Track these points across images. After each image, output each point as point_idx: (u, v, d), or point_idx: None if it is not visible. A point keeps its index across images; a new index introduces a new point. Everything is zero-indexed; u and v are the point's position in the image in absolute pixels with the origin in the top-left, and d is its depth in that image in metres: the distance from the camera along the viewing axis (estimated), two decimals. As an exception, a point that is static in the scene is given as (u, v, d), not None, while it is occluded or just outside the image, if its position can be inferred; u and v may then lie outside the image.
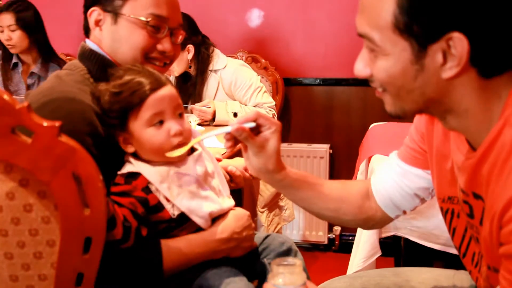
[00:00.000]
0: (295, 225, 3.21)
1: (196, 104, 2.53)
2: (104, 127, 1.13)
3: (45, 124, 0.87)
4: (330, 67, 3.20)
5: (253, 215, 2.64)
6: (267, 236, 1.31)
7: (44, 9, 3.01)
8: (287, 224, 3.00)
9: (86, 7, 1.26)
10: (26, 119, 0.87)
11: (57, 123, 0.88)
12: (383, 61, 0.85)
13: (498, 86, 0.84)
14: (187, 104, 2.63)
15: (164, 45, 1.26)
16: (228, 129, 1.05)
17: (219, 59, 2.65)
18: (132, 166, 1.15)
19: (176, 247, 1.16)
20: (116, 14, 1.22)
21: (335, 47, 3.17)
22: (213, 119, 2.49)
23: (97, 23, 1.25)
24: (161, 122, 1.12)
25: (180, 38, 1.31)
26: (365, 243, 1.57)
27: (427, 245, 1.57)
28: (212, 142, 1.98)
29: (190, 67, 2.64)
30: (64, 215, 0.93)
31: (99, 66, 1.23)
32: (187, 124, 1.18)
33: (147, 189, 1.13)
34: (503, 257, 0.81)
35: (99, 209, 0.93)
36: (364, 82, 3.30)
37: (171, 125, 1.13)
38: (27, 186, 0.93)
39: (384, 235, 1.68)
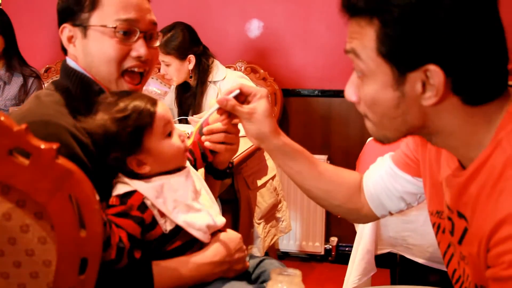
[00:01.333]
0: (292, 235, 3.21)
1: (194, 115, 2.53)
2: (106, 157, 1.13)
3: (42, 146, 0.88)
4: (329, 78, 3.21)
5: (250, 226, 2.64)
6: (262, 260, 1.31)
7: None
8: (284, 234, 3.00)
9: (59, 22, 1.23)
10: (24, 141, 0.87)
11: (54, 146, 0.89)
12: (369, 85, 0.88)
13: (487, 111, 0.86)
14: (187, 115, 2.63)
15: (139, 50, 1.19)
16: (217, 106, 1.15)
17: (218, 70, 2.66)
18: (126, 185, 1.15)
19: (168, 270, 1.16)
20: (84, 27, 1.18)
21: (334, 58, 3.19)
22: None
23: (70, 39, 1.21)
24: (170, 134, 1.18)
25: (157, 39, 1.25)
26: (361, 260, 1.58)
27: (422, 263, 1.58)
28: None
29: (190, 77, 2.65)
30: (61, 236, 0.93)
31: (78, 84, 1.19)
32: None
33: (143, 205, 1.14)
34: (490, 279, 0.82)
35: (96, 231, 0.94)
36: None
37: (179, 132, 1.20)
38: (24, 207, 0.93)
39: (379, 252, 1.68)
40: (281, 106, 3.20)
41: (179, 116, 2.73)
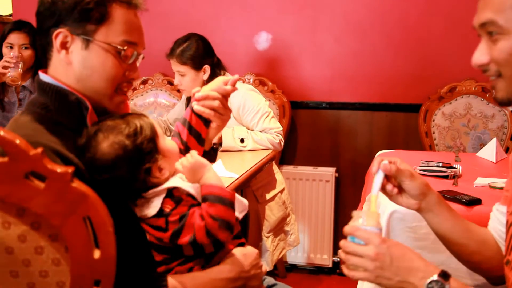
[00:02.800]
0: (300, 247, 3.20)
1: None
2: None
3: (58, 170, 0.89)
4: (337, 91, 3.22)
5: (259, 239, 2.64)
6: (274, 285, 1.31)
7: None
8: (292, 248, 3.00)
9: (46, 26, 1.17)
10: (40, 165, 0.89)
11: (69, 169, 0.90)
12: (505, 41, 0.98)
13: None
14: None
15: (134, 72, 1.22)
16: (382, 173, 1.20)
17: None
18: (157, 198, 1.17)
19: (183, 285, 1.16)
20: (87, 39, 1.15)
21: (342, 71, 3.19)
22: (220, 144, 2.50)
23: (64, 45, 1.16)
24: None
25: (140, 61, 1.26)
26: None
27: (433, 280, 1.56)
28: (220, 171, 1.99)
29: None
30: (75, 258, 0.94)
31: (56, 98, 1.16)
32: None
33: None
34: None
35: (109, 253, 0.94)
36: (370, 107, 3.32)
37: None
38: (39, 229, 0.94)
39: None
40: (289, 118, 3.21)
41: None
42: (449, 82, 3.03)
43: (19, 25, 3.01)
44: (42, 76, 1.20)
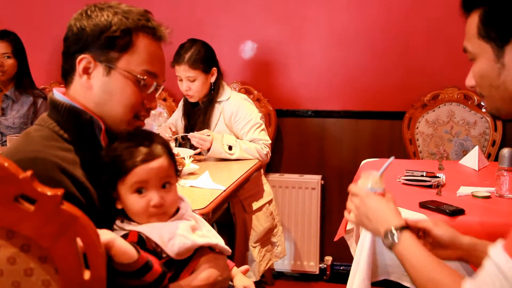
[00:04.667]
0: (287, 255, 3.21)
1: (195, 132, 2.55)
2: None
3: (48, 193, 0.89)
4: (322, 99, 3.24)
5: (246, 249, 2.65)
6: None
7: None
8: (279, 260, 3.00)
9: (72, 51, 1.21)
10: (29, 188, 0.89)
11: (59, 192, 0.90)
12: (476, 65, 1.12)
13: None
14: (193, 130, 2.65)
15: (152, 102, 1.25)
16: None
17: (224, 91, 2.68)
18: (120, 231, 1.18)
19: None
20: (110, 67, 1.19)
21: (327, 79, 3.22)
22: (208, 149, 2.51)
23: (86, 70, 1.20)
24: (142, 191, 1.18)
25: (159, 92, 1.29)
26: (358, 287, 1.59)
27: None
28: (207, 184, 2.00)
29: (212, 89, 2.66)
30: (65, 279, 0.94)
31: (67, 116, 1.19)
32: (171, 196, 1.22)
33: (140, 239, 1.16)
34: None
35: (100, 274, 0.95)
36: (355, 115, 3.35)
37: (152, 196, 1.18)
38: (29, 252, 0.94)
39: (375, 279, 1.70)
40: (275, 126, 3.23)
41: (185, 131, 2.74)
42: (432, 89, 3.08)
43: (2, 34, 3.01)
44: (56, 94, 1.23)
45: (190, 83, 2.60)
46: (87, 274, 0.94)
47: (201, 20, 3.32)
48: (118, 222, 1.21)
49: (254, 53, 3.30)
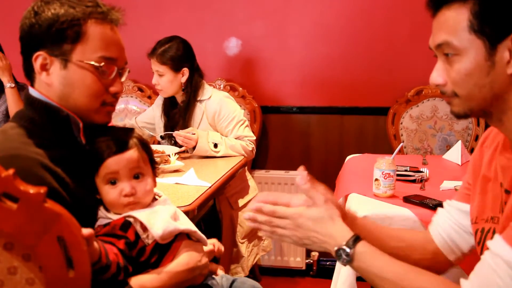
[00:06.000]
0: (274, 251, 3.23)
1: (180, 131, 2.54)
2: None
3: (31, 191, 0.89)
4: (307, 95, 3.26)
5: (233, 245, 2.65)
6: (234, 280, 1.37)
7: None
8: (265, 253, 3.02)
9: (28, 50, 1.20)
10: (12, 186, 0.88)
11: (42, 190, 0.90)
12: (461, 62, 1.02)
13: None
14: (173, 130, 2.64)
15: (117, 87, 1.24)
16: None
17: (205, 90, 2.68)
18: (105, 219, 1.24)
19: (150, 282, 1.19)
20: (65, 60, 1.17)
21: (311, 75, 3.23)
22: (194, 147, 2.51)
23: (43, 67, 1.19)
24: (115, 182, 1.23)
25: (126, 75, 1.29)
26: (342, 284, 1.60)
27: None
28: (192, 180, 2.00)
29: (183, 89, 2.66)
30: (49, 277, 0.94)
31: (43, 113, 1.19)
32: (143, 186, 1.26)
33: (125, 224, 1.21)
34: None
35: (84, 271, 0.95)
36: (340, 111, 3.36)
37: (124, 186, 1.23)
38: (12, 250, 0.93)
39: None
40: (260, 123, 3.23)
41: (165, 130, 2.74)
42: (415, 85, 3.10)
43: None
44: (32, 91, 1.22)
45: (159, 77, 2.61)
46: (71, 272, 0.94)
47: (186, 18, 3.31)
48: (103, 210, 1.25)
49: (238, 49, 3.30)
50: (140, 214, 1.21)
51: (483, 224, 1.14)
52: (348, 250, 1.07)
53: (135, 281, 1.17)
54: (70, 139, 1.21)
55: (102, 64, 1.19)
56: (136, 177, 1.25)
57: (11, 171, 0.88)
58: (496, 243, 0.93)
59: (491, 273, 0.91)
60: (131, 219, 1.21)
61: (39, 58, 1.18)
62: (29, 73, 1.23)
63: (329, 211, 1.15)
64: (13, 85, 2.84)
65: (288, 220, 1.15)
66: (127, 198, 1.23)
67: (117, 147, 1.23)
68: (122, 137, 1.25)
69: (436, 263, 1.30)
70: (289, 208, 1.17)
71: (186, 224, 1.29)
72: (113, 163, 1.22)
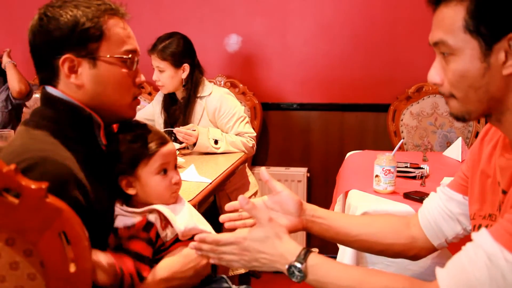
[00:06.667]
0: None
1: (180, 127, 2.54)
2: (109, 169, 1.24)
3: (33, 186, 0.89)
4: (307, 92, 3.26)
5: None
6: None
7: None
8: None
9: (47, 57, 1.19)
10: (14, 182, 0.89)
11: (43, 185, 0.90)
12: (456, 62, 0.99)
13: None
14: (173, 126, 2.65)
15: (141, 77, 1.28)
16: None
17: (205, 86, 2.68)
18: (126, 217, 1.24)
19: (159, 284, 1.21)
20: (93, 58, 1.19)
21: (312, 72, 3.23)
22: (194, 143, 2.51)
23: (72, 69, 1.18)
24: (165, 172, 1.27)
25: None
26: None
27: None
28: (193, 177, 2.00)
29: (184, 85, 2.66)
30: (51, 272, 0.95)
31: (67, 112, 1.18)
32: (179, 176, 1.32)
33: (147, 225, 1.23)
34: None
35: (85, 267, 0.95)
36: (340, 108, 3.35)
37: (173, 175, 1.29)
38: (14, 245, 0.94)
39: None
40: (261, 119, 3.24)
41: (165, 126, 2.74)
42: (416, 82, 3.10)
43: None
44: (50, 89, 1.21)
45: (159, 73, 2.62)
46: (72, 267, 0.95)
47: (186, 14, 3.31)
48: (121, 207, 1.25)
49: (239, 46, 3.30)
50: (164, 209, 1.24)
51: (481, 220, 1.14)
52: (299, 265, 1.05)
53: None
54: (92, 140, 1.21)
55: (130, 56, 1.22)
56: (175, 167, 1.31)
57: (12, 166, 0.88)
58: (480, 235, 0.93)
59: (469, 262, 0.91)
60: (152, 217, 1.23)
61: (66, 61, 1.17)
62: (49, 80, 1.21)
63: (275, 229, 1.11)
64: (14, 62, 2.89)
65: (234, 245, 1.12)
66: (176, 187, 1.29)
67: (163, 139, 1.28)
68: (155, 130, 1.29)
69: (412, 247, 1.32)
70: (232, 233, 1.15)
71: (204, 225, 1.31)
72: (166, 153, 1.26)
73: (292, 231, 1.26)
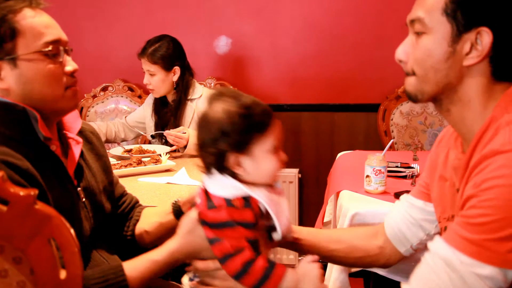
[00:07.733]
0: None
1: (171, 130, 2.54)
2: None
3: (21, 193, 0.88)
4: (298, 92, 3.26)
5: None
6: None
7: None
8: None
9: None
10: (1, 189, 0.88)
11: (32, 192, 0.89)
12: (427, 39, 1.03)
13: (500, 90, 1.01)
14: (164, 129, 2.64)
15: (71, 65, 1.23)
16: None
17: (195, 88, 2.68)
18: (237, 189, 1.11)
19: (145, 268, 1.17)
20: (12, 59, 1.15)
21: (302, 73, 3.24)
22: (185, 146, 2.50)
23: None
24: (275, 150, 1.13)
25: (70, 52, 1.26)
26: (335, 280, 1.61)
27: (395, 279, 1.62)
28: (184, 180, 1.99)
29: (175, 88, 2.66)
30: (41, 279, 0.94)
31: (0, 111, 1.16)
32: None
33: (260, 212, 1.11)
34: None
35: (75, 273, 0.94)
36: (331, 108, 3.34)
37: (282, 155, 1.15)
38: (2, 253, 0.93)
39: (353, 270, 1.72)
40: (251, 121, 3.23)
41: (156, 129, 2.73)
42: (405, 81, 3.11)
43: None
44: None
45: (150, 77, 2.61)
46: (63, 274, 0.94)
47: (175, 16, 3.30)
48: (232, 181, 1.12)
49: (228, 48, 3.30)
50: (264, 199, 1.11)
51: (445, 223, 1.17)
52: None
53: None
54: (30, 134, 1.17)
55: (50, 48, 1.17)
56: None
57: (0, 174, 0.88)
58: (434, 243, 0.96)
59: (429, 271, 0.93)
60: (262, 207, 1.11)
61: None
62: None
63: None
64: None
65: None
66: (282, 167, 1.14)
67: (269, 108, 1.13)
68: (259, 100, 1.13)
69: (381, 257, 1.35)
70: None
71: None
72: (278, 129, 1.13)
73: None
